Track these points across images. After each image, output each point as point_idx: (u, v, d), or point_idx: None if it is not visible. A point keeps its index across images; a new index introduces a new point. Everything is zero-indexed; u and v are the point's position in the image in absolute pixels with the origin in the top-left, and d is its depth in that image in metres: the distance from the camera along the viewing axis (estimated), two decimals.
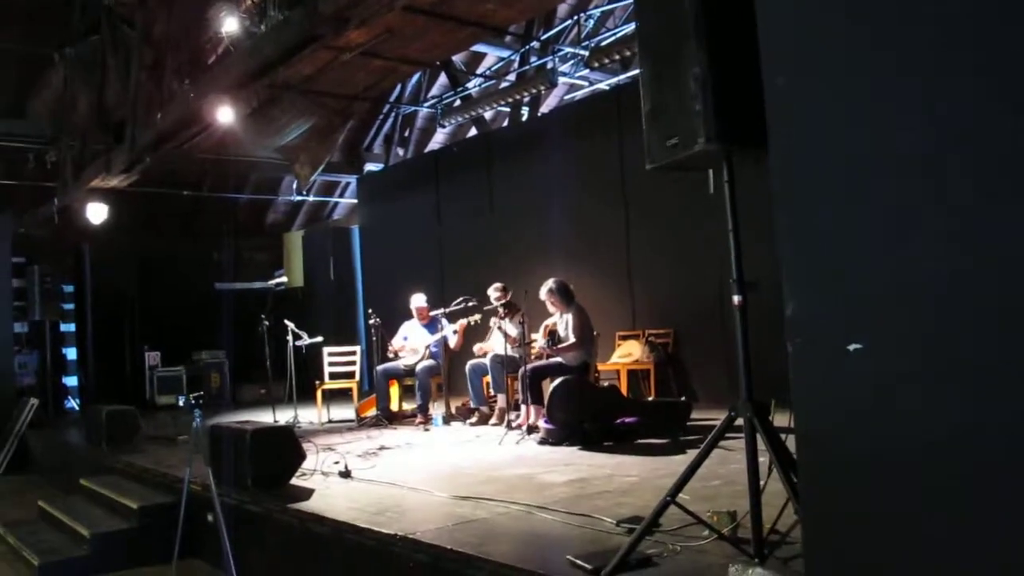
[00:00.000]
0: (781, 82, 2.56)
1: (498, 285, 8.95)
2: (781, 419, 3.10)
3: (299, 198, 15.51)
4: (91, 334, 14.17)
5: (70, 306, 14.29)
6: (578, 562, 3.48)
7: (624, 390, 8.61)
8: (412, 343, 9.60)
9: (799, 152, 2.53)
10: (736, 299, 3.31)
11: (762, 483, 3.22)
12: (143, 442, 9.13)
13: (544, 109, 12.69)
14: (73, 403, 13.76)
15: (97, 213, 12.47)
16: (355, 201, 15.58)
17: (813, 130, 2.50)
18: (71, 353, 14.20)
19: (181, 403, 13.01)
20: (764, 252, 3.14)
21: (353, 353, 10.73)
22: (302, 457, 6.16)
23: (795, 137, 2.55)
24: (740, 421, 3.30)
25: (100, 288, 14.15)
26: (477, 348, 9.20)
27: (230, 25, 8.18)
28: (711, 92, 3.22)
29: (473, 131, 13.73)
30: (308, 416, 9.94)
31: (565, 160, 10.40)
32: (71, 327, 14.23)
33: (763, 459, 3.22)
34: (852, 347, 2.33)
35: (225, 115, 9.39)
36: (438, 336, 9.40)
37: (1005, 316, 2.06)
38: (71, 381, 14.10)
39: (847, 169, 2.40)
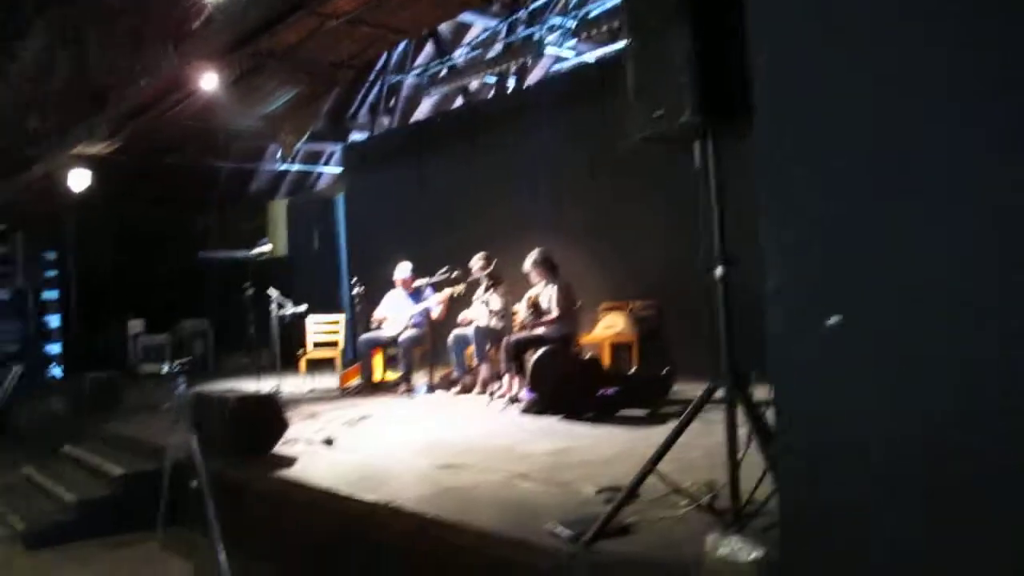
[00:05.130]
0: (765, 57, 2.57)
1: (481, 255, 8.93)
2: (762, 392, 3.13)
3: (283, 167, 15.42)
4: (74, 302, 14.12)
5: (52, 273, 14.22)
6: (558, 529, 3.52)
7: (607, 362, 8.64)
8: (396, 313, 9.60)
9: (781, 125, 2.55)
10: (718, 272, 3.34)
11: (741, 454, 3.26)
12: (127, 410, 9.13)
13: (530, 81, 12.63)
14: (56, 370, 13.72)
15: (79, 180, 12.38)
16: (340, 170, 15.50)
17: (795, 103, 2.51)
18: (54, 321, 14.14)
19: (165, 371, 12.96)
20: (749, 226, 3.17)
21: (337, 322, 10.73)
22: (285, 425, 6.18)
23: (778, 110, 2.56)
24: (721, 393, 3.33)
25: (83, 256, 14.10)
26: (461, 317, 9.20)
27: None
28: (697, 65, 3.24)
29: (459, 101, 13.66)
30: (291, 385, 9.94)
31: (551, 132, 10.38)
32: (54, 294, 14.16)
33: (743, 431, 3.26)
34: (830, 321, 2.35)
35: (208, 82, 9.32)
36: (422, 306, 9.40)
37: (991, 288, 2.08)
38: (54, 348, 14.05)
39: (827, 142, 2.41)
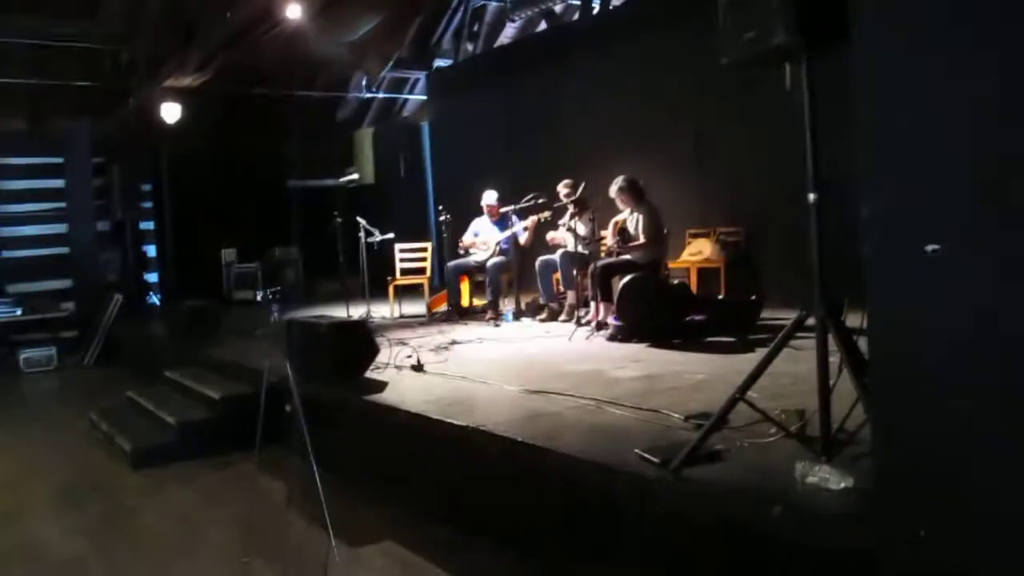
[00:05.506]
0: None
1: (567, 181, 8.87)
2: (853, 321, 3.07)
3: (369, 95, 15.44)
4: (170, 232, 14.51)
5: (149, 204, 14.60)
6: (647, 455, 3.53)
7: (694, 288, 8.57)
8: (483, 239, 9.64)
9: (884, 48, 2.45)
10: (811, 197, 3.25)
11: (832, 383, 3.21)
12: (222, 336, 9.41)
13: (616, 1, 12.35)
14: (155, 299, 14.17)
15: (171, 112, 12.66)
16: (425, 98, 15.48)
17: (900, 23, 2.40)
18: (151, 251, 14.56)
19: (258, 298, 13.30)
20: (840, 151, 3.08)
21: (424, 249, 10.82)
22: (376, 351, 6.29)
23: (881, 31, 2.46)
24: (812, 321, 3.28)
25: (177, 187, 14.42)
26: (549, 237, 9.16)
27: None
28: None
29: (544, 25, 13.44)
30: (380, 311, 10.11)
31: (637, 54, 10.18)
32: (150, 225, 14.56)
33: (833, 359, 3.21)
34: (930, 248, 2.29)
35: (294, 11, 9.36)
36: (508, 233, 9.41)
37: None
38: (152, 277, 14.50)
39: (933, 65, 2.32)
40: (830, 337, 3.20)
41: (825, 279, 3.25)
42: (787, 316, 3.40)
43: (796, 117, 3.32)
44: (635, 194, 7.84)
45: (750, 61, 3.41)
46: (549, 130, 11.51)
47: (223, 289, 13.91)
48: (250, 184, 14.39)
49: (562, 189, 8.84)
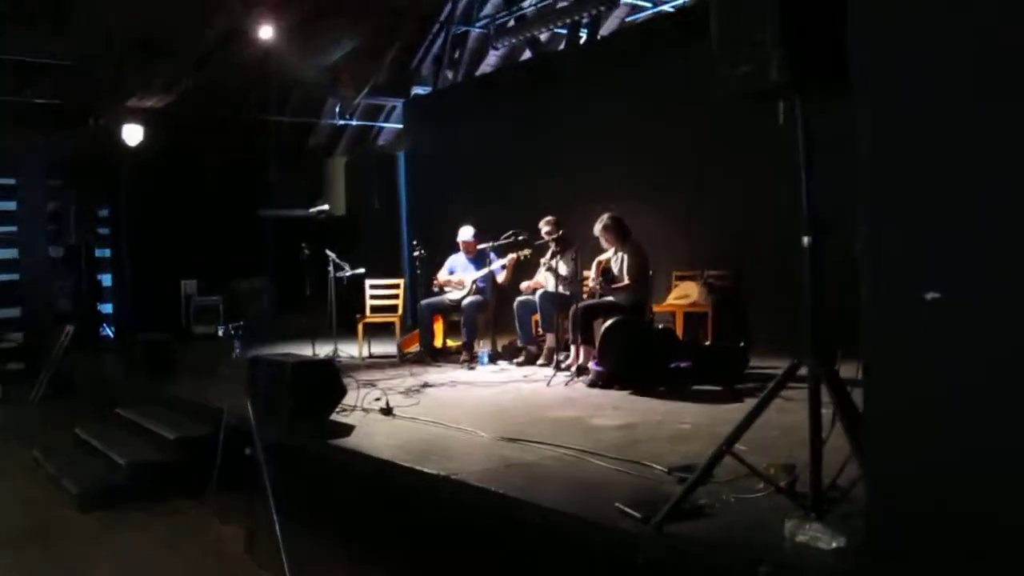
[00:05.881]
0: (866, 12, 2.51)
1: (549, 219, 8.88)
2: (847, 371, 3.09)
3: (343, 122, 15.49)
4: (127, 260, 14.41)
5: (106, 230, 14.52)
6: (628, 509, 3.52)
7: (679, 333, 8.59)
8: (458, 277, 9.63)
9: (886, 87, 2.47)
10: (805, 240, 3.27)
11: (824, 436, 3.22)
12: (180, 372, 9.34)
13: (604, 32, 12.48)
14: (108, 331, 14.05)
15: (133, 134, 12.61)
16: (401, 126, 15.54)
17: (903, 62, 2.43)
18: (107, 279, 14.46)
19: (220, 333, 13.23)
20: (834, 191, 3.11)
21: (397, 286, 10.81)
22: (343, 392, 6.26)
23: (883, 71, 2.48)
24: (804, 370, 3.29)
25: (137, 212, 14.34)
26: (525, 285, 9.19)
27: None
28: (785, 17, 3.16)
29: (527, 54, 13.56)
30: (349, 350, 10.07)
31: (624, 86, 10.28)
32: (107, 252, 14.46)
33: (826, 412, 3.21)
34: (930, 296, 2.30)
35: (266, 32, 9.41)
36: (486, 271, 9.41)
37: None
38: (107, 308, 14.39)
39: (936, 104, 2.34)
40: (823, 388, 3.21)
41: (818, 326, 3.27)
42: (776, 365, 3.42)
43: (790, 154, 3.35)
44: (620, 233, 7.89)
45: (743, 96, 3.44)
46: (531, 163, 11.55)
47: (182, 322, 13.82)
48: (214, 211, 14.33)
49: (544, 226, 8.85)
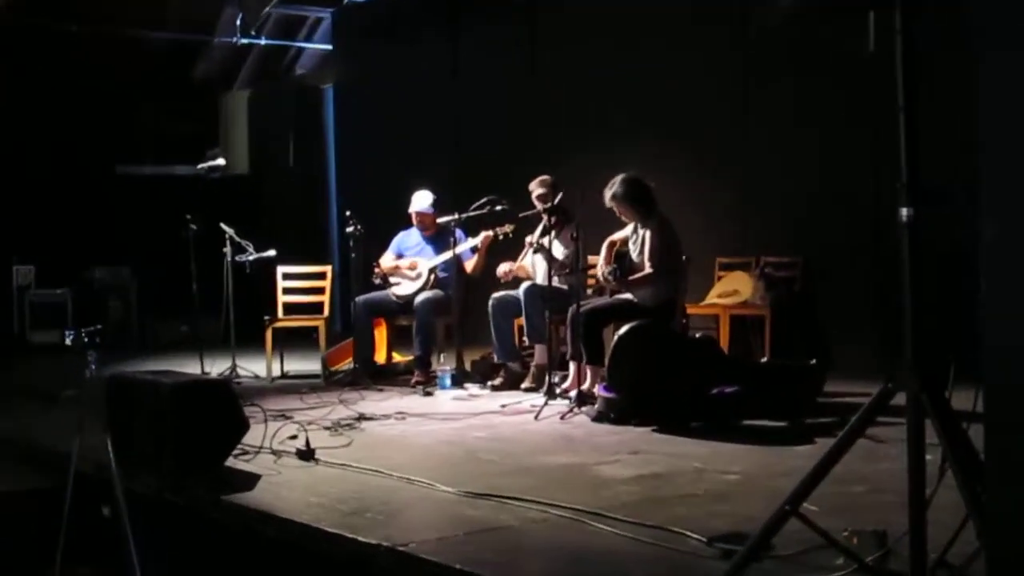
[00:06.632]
0: None
1: (544, 178, 8.85)
2: (961, 401, 3.10)
3: (245, 40, 15.42)
4: None
5: None
6: None
7: (724, 345, 8.63)
8: (409, 262, 9.61)
9: None
10: (904, 212, 3.27)
11: (928, 491, 3.23)
12: (8, 397, 9.28)
13: None
14: None
15: None
16: (330, 47, 15.52)
17: None
18: None
19: (68, 341, 13.14)
20: (947, 152, 3.11)
21: (322, 275, 10.78)
22: (244, 427, 6.24)
23: None
24: (900, 398, 3.30)
25: None
26: (503, 270, 9.15)
27: None
28: None
29: None
30: (253, 367, 10.06)
31: (650, 4, 10.24)
32: None
33: (931, 456, 3.23)
34: None
35: None
36: (449, 254, 9.37)
37: None
38: None
39: None
40: (928, 423, 3.23)
41: (922, 337, 3.28)
42: (861, 392, 3.43)
43: (882, 105, 3.34)
44: (642, 202, 7.86)
45: (818, 9, 3.45)
46: (516, 103, 11.55)
47: (13, 327, 13.75)
48: (59, 169, 14.26)
49: (536, 189, 8.82)
